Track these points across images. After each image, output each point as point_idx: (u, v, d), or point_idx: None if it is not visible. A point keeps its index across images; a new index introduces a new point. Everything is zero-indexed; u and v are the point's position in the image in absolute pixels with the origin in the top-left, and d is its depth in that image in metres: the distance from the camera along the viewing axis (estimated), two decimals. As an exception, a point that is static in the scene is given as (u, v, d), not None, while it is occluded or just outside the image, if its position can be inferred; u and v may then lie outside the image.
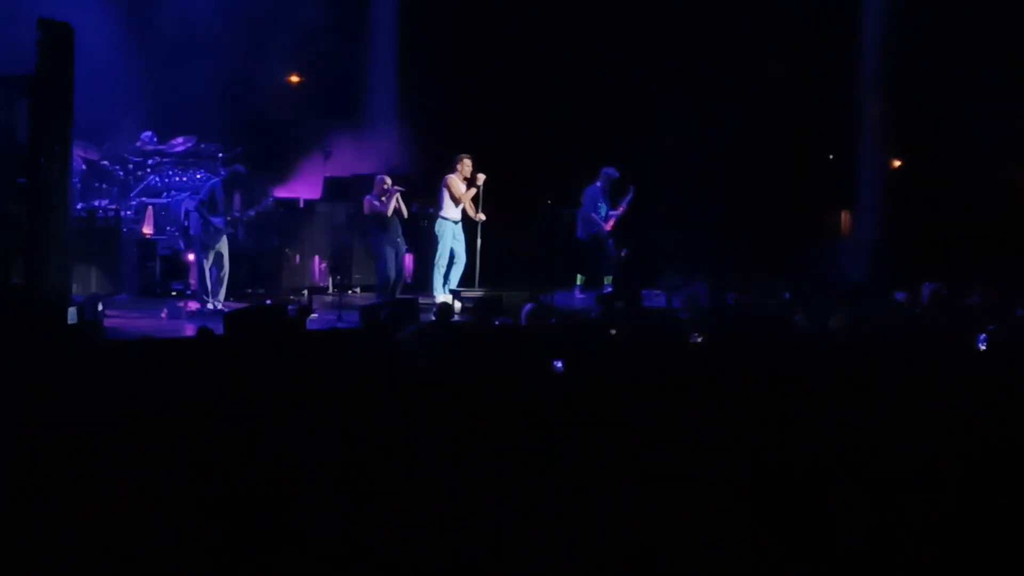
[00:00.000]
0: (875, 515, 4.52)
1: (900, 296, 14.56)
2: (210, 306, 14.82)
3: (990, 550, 4.40)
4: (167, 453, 4.95)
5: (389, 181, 15.86)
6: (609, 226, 17.72)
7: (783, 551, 4.37)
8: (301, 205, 18.10)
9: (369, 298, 16.28)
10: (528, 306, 12.36)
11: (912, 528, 4.46)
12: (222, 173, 15.98)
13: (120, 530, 4.34)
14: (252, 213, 15.68)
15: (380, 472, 4.83)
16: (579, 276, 17.82)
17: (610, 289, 17.28)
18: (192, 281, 15.53)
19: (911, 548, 4.33)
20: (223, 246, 15.14)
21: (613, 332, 11.25)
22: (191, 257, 15.57)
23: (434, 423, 6.16)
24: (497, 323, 12.14)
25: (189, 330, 12.76)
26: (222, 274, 15.17)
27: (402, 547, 4.20)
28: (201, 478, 4.70)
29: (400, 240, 15.90)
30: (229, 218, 15.16)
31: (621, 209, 17.77)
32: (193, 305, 14.84)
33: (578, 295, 17.48)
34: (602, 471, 5.16)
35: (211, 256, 15.06)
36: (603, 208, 17.71)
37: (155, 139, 17.85)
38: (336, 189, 18.76)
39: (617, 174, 17.69)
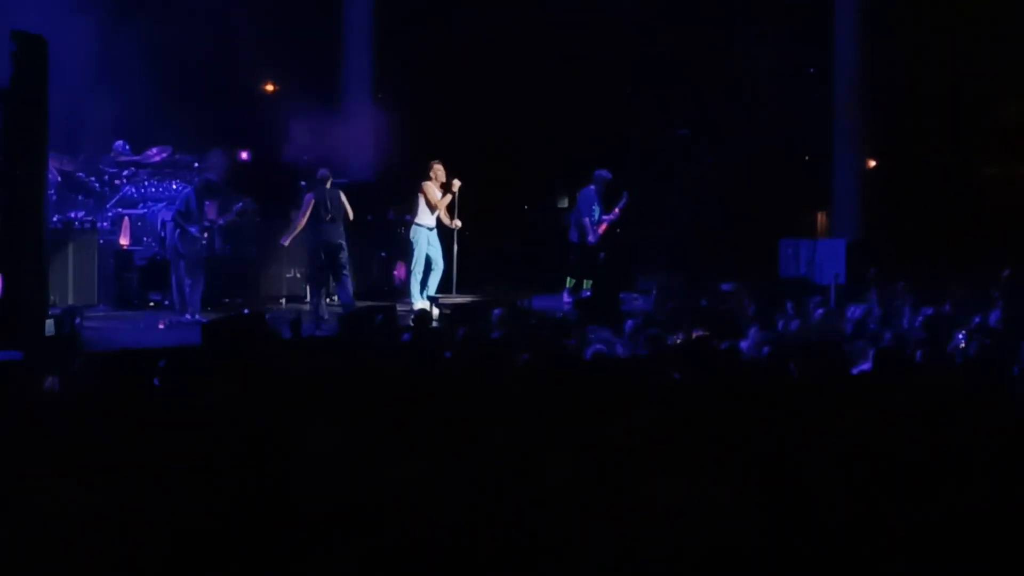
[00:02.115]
0: (863, 513, 4.55)
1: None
2: (187, 316, 14.82)
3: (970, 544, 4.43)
4: (149, 465, 4.94)
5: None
6: (601, 229, 17.75)
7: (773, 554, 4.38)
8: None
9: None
10: (497, 310, 12.36)
11: (899, 528, 4.48)
12: (195, 182, 15.97)
13: (102, 544, 4.33)
14: (230, 217, 15.65)
15: (365, 476, 4.84)
16: (568, 279, 17.82)
17: (588, 293, 17.33)
18: (175, 297, 15.48)
19: (901, 548, 4.36)
20: (199, 255, 15.17)
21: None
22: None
23: (412, 429, 6.16)
24: (462, 331, 12.10)
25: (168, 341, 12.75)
26: (196, 285, 15.19)
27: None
28: (188, 488, 4.69)
29: None
30: (205, 225, 15.20)
31: (615, 214, 17.80)
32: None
33: (566, 299, 17.50)
34: (579, 474, 5.17)
35: (188, 266, 15.08)
36: (597, 211, 17.73)
37: (127, 148, 17.79)
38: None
39: (609, 175, 17.71)
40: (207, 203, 15.51)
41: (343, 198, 15.70)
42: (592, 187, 17.76)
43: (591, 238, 17.65)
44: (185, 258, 15.07)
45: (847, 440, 5.49)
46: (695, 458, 5.33)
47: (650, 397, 7.11)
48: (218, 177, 15.89)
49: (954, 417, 6.09)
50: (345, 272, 15.63)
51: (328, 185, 15.68)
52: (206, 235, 15.33)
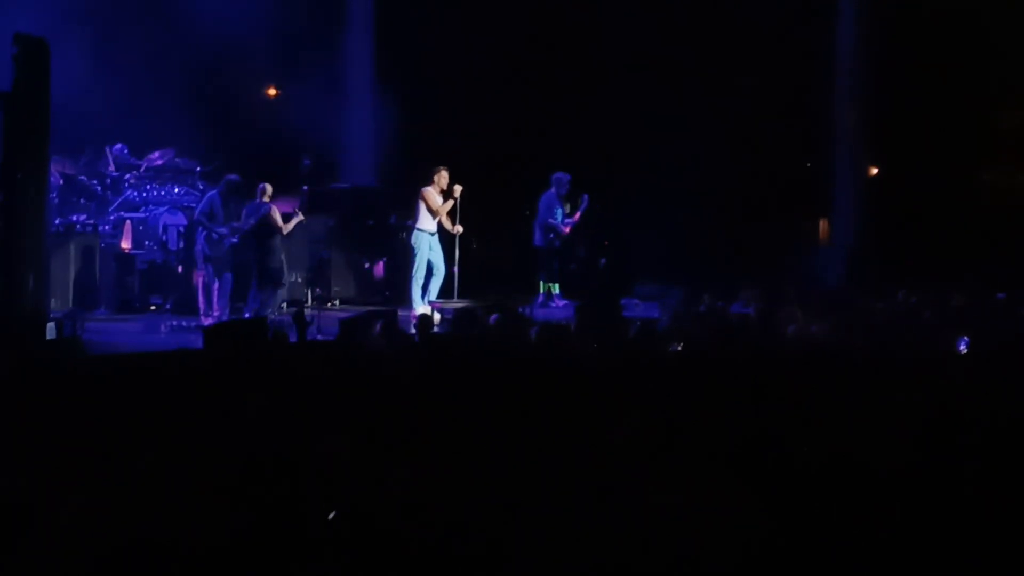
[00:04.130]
0: (862, 518, 4.55)
1: None
2: (210, 320, 14.82)
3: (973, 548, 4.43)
4: (151, 470, 4.94)
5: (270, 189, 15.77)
6: (566, 231, 17.85)
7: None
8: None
9: (348, 311, 16.28)
10: (494, 316, 12.38)
11: (901, 532, 4.48)
12: (218, 186, 15.90)
13: (101, 548, 4.33)
14: (252, 222, 15.60)
15: (365, 480, 4.84)
16: (553, 285, 17.94)
17: (559, 295, 17.51)
18: (200, 300, 15.51)
19: (902, 551, 4.36)
20: (227, 257, 15.20)
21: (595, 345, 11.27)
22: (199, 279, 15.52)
23: (414, 432, 6.16)
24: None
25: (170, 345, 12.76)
26: (223, 286, 15.26)
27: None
28: (187, 494, 4.69)
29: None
30: (234, 225, 15.21)
31: (576, 217, 17.90)
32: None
33: (558, 303, 17.58)
34: (582, 479, 5.17)
35: (216, 268, 15.14)
36: (559, 214, 17.83)
37: (126, 150, 17.76)
38: (316, 201, 18.71)
39: (567, 178, 17.81)
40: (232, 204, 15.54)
41: (276, 212, 15.68)
42: (552, 190, 17.86)
43: (562, 231, 17.77)
44: (213, 260, 15.12)
45: (851, 442, 5.49)
46: (694, 463, 5.34)
47: (648, 401, 7.11)
48: (241, 178, 15.85)
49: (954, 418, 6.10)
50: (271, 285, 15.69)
51: (266, 199, 15.60)
52: (236, 237, 15.32)
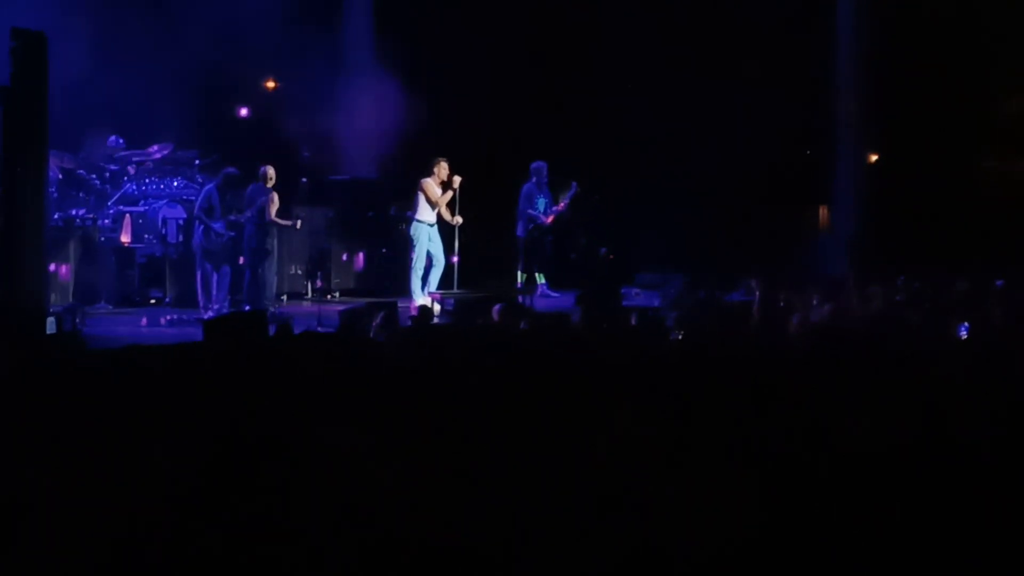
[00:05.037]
0: (864, 516, 4.54)
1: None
2: (210, 313, 14.85)
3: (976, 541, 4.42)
4: (153, 466, 4.93)
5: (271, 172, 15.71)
6: (548, 220, 17.87)
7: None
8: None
9: (347, 302, 16.27)
10: (498, 306, 12.37)
11: (903, 524, 4.47)
12: (216, 179, 15.89)
13: (104, 543, 4.33)
14: (250, 214, 15.59)
15: (365, 475, 4.83)
16: (539, 275, 17.99)
17: (545, 285, 17.50)
18: (199, 294, 15.54)
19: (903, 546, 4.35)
20: (226, 250, 15.22)
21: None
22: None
23: (414, 427, 6.15)
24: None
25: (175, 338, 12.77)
26: (222, 279, 15.29)
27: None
28: (190, 489, 4.69)
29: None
30: (230, 219, 15.22)
31: (562, 206, 17.92)
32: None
33: (544, 293, 17.62)
34: (584, 476, 5.16)
35: (214, 262, 15.16)
36: (541, 203, 17.85)
37: (121, 142, 17.74)
38: (314, 193, 18.71)
39: (545, 166, 17.84)
40: (235, 196, 15.56)
41: (276, 199, 15.70)
42: (532, 180, 17.89)
43: (543, 221, 17.78)
44: (211, 254, 15.15)
45: (851, 436, 5.48)
46: (697, 456, 5.32)
47: (651, 393, 7.10)
48: (238, 171, 15.84)
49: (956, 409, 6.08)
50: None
51: (269, 183, 15.59)
52: (233, 231, 15.35)
